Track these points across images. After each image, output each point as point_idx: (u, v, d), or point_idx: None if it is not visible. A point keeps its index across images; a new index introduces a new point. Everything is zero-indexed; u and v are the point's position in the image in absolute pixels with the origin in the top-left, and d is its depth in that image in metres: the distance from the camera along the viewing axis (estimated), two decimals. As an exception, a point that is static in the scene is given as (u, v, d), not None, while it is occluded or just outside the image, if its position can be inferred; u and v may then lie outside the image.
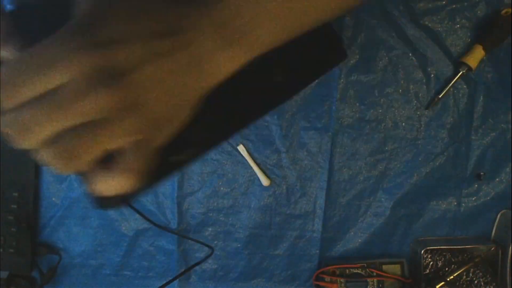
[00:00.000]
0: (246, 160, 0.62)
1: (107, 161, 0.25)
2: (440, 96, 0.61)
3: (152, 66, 0.23)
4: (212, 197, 0.63)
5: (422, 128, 0.62)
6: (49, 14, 0.33)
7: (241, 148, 0.61)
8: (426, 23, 0.61)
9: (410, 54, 0.62)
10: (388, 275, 0.61)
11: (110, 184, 0.25)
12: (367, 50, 0.61)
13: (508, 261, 0.61)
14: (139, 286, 0.64)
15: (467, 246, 0.62)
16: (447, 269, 0.62)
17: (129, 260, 0.64)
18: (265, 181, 0.62)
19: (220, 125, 0.43)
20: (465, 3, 0.61)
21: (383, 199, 0.63)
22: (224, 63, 0.26)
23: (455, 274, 0.61)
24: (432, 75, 0.62)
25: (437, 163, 0.63)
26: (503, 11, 0.60)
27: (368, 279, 0.61)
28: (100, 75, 0.21)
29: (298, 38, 0.37)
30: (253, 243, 0.63)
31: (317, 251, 0.63)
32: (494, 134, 0.63)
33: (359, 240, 0.64)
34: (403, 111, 0.62)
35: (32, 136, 0.22)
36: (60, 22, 0.24)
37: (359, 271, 0.62)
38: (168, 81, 0.24)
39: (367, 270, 0.62)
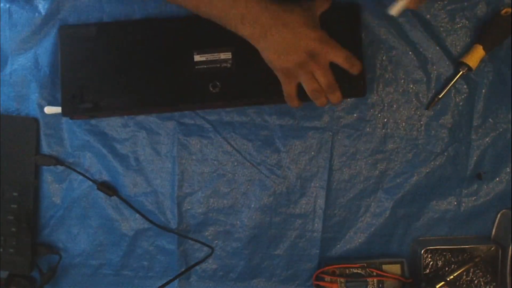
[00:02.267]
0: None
1: None
2: (440, 96, 0.61)
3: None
4: (212, 197, 0.63)
5: (422, 128, 0.62)
6: None
7: None
8: (426, 23, 0.61)
9: (410, 54, 0.62)
10: (388, 275, 0.61)
11: None
12: (367, 50, 0.61)
13: (508, 261, 0.61)
14: (139, 286, 0.64)
15: (467, 246, 0.62)
16: (447, 269, 0.63)
17: (129, 260, 0.64)
18: None
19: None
20: (465, 3, 0.61)
21: (383, 199, 0.63)
22: None
23: (455, 274, 0.61)
24: (432, 75, 0.62)
25: (437, 163, 0.63)
26: (503, 11, 0.60)
27: (368, 279, 0.61)
28: None
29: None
30: (253, 243, 0.63)
31: (317, 251, 0.63)
32: (494, 134, 0.63)
33: (359, 240, 0.64)
34: (403, 111, 0.62)
35: None
36: None
37: (359, 271, 0.62)
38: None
39: (367, 270, 0.62)
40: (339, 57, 0.49)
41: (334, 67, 0.50)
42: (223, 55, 0.58)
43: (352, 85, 0.57)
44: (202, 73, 0.58)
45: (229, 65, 0.58)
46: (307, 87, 0.51)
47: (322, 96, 0.52)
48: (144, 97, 0.58)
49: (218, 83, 0.58)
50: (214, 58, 0.58)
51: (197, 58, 0.58)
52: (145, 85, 0.58)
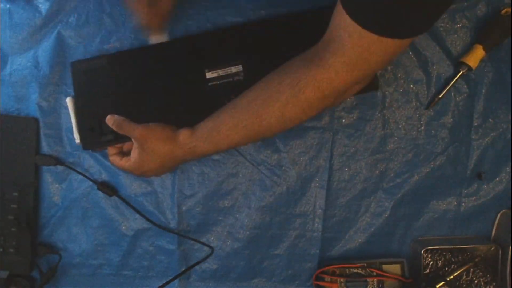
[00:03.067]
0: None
1: None
2: (440, 96, 0.61)
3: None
4: (212, 197, 0.63)
5: (422, 128, 0.62)
6: None
7: (68, 100, 0.60)
8: (426, 23, 0.61)
9: (410, 54, 0.62)
10: (388, 275, 0.61)
11: None
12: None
13: (508, 261, 0.61)
14: (139, 286, 0.64)
15: (467, 246, 0.62)
16: (447, 269, 0.63)
17: (129, 260, 0.64)
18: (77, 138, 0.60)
19: None
20: (465, 3, 0.61)
21: (383, 199, 0.63)
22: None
23: (455, 274, 0.61)
24: (432, 75, 0.62)
25: (437, 163, 0.63)
26: (503, 11, 0.60)
27: (368, 279, 0.61)
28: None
29: None
30: (253, 243, 0.63)
31: (317, 251, 0.63)
32: (494, 134, 0.63)
33: (359, 240, 0.64)
34: (403, 111, 0.62)
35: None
36: None
37: (359, 271, 0.62)
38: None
39: (367, 270, 0.62)
40: None
41: None
42: (234, 69, 0.58)
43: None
44: (216, 89, 0.58)
45: (241, 78, 0.58)
46: None
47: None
48: (162, 120, 0.57)
49: (233, 97, 0.57)
50: (225, 73, 0.58)
51: (209, 75, 0.58)
52: (162, 109, 0.59)
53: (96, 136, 0.58)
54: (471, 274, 0.62)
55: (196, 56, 0.59)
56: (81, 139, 0.58)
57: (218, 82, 0.58)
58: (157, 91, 0.59)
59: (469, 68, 0.60)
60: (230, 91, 0.58)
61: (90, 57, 0.60)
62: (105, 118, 0.56)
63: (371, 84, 0.59)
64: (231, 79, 0.58)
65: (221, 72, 0.58)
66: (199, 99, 0.58)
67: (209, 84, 0.58)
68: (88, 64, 0.59)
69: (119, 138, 0.57)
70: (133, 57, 0.59)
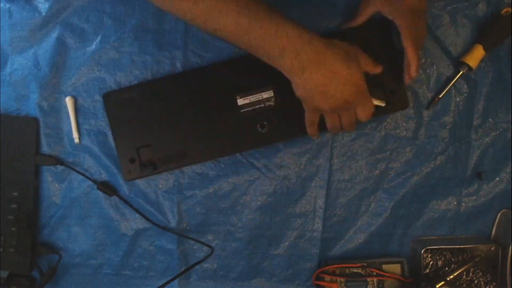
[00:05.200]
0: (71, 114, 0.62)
1: None
2: (440, 96, 0.61)
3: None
4: (212, 197, 0.63)
5: (422, 128, 0.62)
6: None
7: (68, 100, 0.61)
8: (427, 22, 0.61)
9: (410, 54, 0.62)
10: (388, 274, 0.61)
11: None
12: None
13: (508, 261, 0.61)
14: (139, 286, 0.64)
15: (467, 246, 0.62)
16: (447, 268, 0.63)
17: (129, 260, 0.64)
18: (76, 138, 0.61)
19: None
20: (465, 3, 0.61)
21: (383, 199, 0.63)
22: None
23: (455, 274, 0.61)
24: (432, 75, 0.62)
25: (437, 163, 0.63)
26: (503, 11, 0.60)
27: (368, 279, 0.61)
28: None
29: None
30: (253, 243, 0.63)
31: (317, 251, 0.63)
32: (494, 134, 0.63)
33: (359, 240, 0.64)
34: (403, 111, 0.62)
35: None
36: None
37: (359, 271, 0.62)
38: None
39: (367, 269, 0.62)
40: (366, 110, 0.51)
41: (379, 85, 0.52)
42: (265, 94, 0.58)
43: (396, 100, 0.59)
44: (249, 116, 0.58)
45: (272, 103, 0.58)
46: (330, 124, 0.53)
47: (338, 131, 0.55)
48: (198, 149, 0.59)
49: (265, 123, 0.58)
50: (257, 99, 0.58)
51: (240, 101, 0.59)
52: (196, 138, 0.59)
53: (137, 168, 0.59)
54: (471, 274, 0.62)
55: (227, 83, 0.59)
56: (123, 171, 0.59)
57: (250, 109, 0.58)
58: (191, 119, 0.59)
59: (469, 68, 0.60)
60: (263, 117, 0.58)
61: (121, 88, 0.61)
62: (142, 147, 0.57)
63: (401, 102, 0.59)
64: (262, 105, 0.58)
65: (252, 98, 0.58)
66: (233, 126, 0.59)
67: (242, 110, 0.58)
68: (120, 96, 0.59)
69: (159, 168, 0.59)
70: (164, 85, 0.59)
